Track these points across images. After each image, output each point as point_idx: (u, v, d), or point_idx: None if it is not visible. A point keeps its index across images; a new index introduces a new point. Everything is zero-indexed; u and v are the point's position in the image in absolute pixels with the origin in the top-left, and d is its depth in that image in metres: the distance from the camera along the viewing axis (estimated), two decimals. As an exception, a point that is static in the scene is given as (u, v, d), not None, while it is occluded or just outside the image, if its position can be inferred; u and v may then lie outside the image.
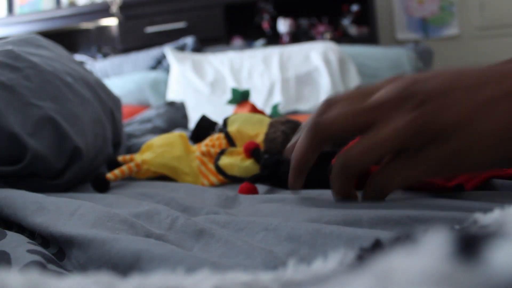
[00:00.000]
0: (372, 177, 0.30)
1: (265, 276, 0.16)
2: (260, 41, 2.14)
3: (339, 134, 0.30)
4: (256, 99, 1.60)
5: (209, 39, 2.19)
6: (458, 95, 0.27)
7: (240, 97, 0.95)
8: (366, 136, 0.29)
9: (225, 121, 0.60)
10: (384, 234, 0.24)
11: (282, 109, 1.47)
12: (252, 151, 0.49)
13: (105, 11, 2.32)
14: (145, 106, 1.71)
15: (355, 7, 2.19)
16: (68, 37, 2.53)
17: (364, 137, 0.29)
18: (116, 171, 0.52)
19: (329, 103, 0.32)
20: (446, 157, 0.27)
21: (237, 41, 2.26)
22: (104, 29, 2.52)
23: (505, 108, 0.26)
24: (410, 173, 0.28)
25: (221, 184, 0.52)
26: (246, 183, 0.44)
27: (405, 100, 0.28)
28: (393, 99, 0.28)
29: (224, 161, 0.52)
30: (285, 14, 2.28)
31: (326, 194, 0.38)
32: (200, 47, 2.08)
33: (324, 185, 0.40)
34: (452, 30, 2.49)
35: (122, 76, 1.96)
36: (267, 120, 0.60)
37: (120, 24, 2.33)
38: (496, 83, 0.27)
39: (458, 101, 0.27)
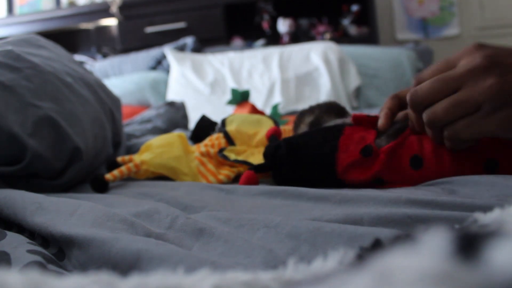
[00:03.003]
0: (447, 128, 0.35)
1: (265, 275, 0.16)
2: (260, 41, 2.13)
3: (432, 98, 0.35)
4: (256, 99, 1.60)
5: (209, 39, 2.18)
6: None
7: (240, 98, 0.95)
8: (451, 96, 0.34)
9: (224, 121, 0.60)
10: (384, 233, 0.24)
11: (282, 109, 1.47)
12: (270, 137, 0.51)
13: (105, 11, 2.31)
14: (145, 106, 1.71)
15: (355, 7, 2.19)
16: (68, 37, 2.52)
17: (449, 97, 0.34)
18: (115, 172, 0.52)
19: (418, 79, 0.38)
20: None
21: (237, 41, 2.26)
22: (104, 29, 2.52)
23: None
24: (482, 127, 0.33)
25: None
26: (248, 172, 0.44)
27: (488, 69, 0.33)
28: (478, 67, 0.33)
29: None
30: (285, 14, 2.27)
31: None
32: (200, 47, 2.08)
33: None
34: (452, 30, 2.49)
35: (122, 76, 1.96)
36: (265, 120, 0.61)
37: (120, 24, 2.33)
38: None
39: None
